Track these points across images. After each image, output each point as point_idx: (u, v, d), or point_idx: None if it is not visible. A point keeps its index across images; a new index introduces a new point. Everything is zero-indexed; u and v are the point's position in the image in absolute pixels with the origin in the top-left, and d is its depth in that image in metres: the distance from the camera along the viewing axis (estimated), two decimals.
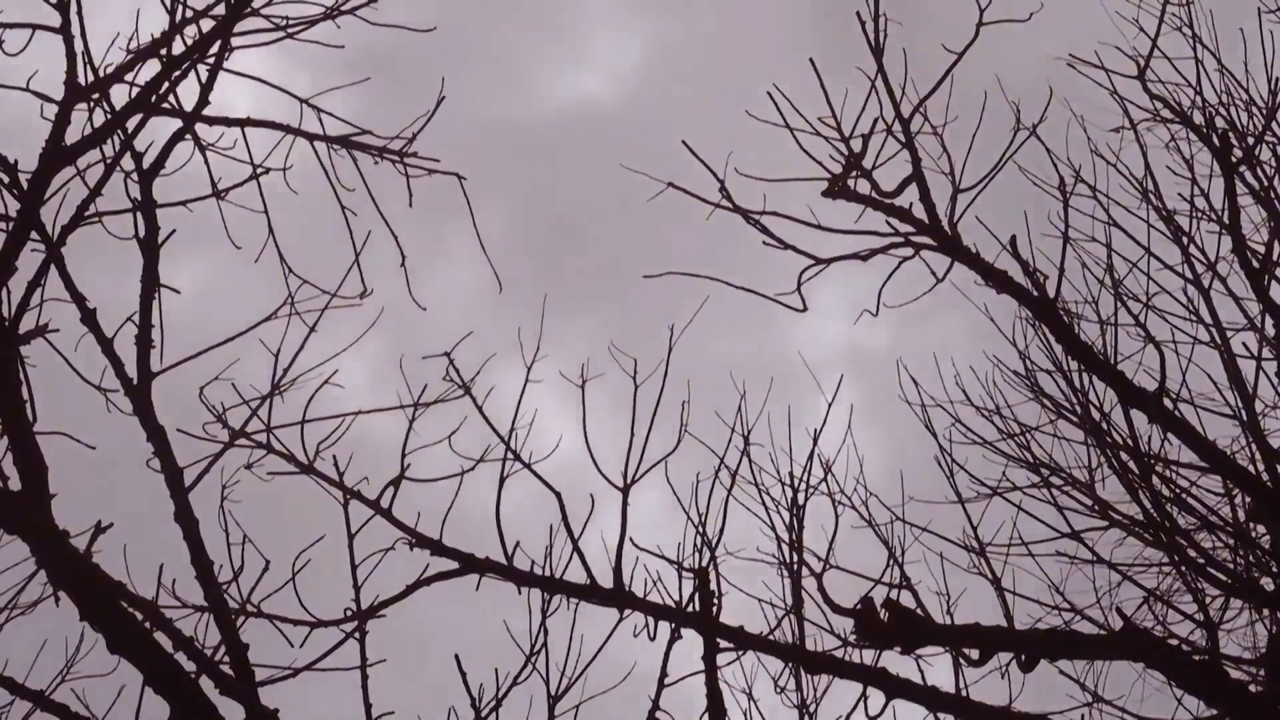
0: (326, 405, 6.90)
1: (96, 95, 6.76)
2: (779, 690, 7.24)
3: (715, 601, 7.14)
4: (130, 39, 6.95)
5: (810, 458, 7.62)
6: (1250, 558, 7.92)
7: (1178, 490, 7.89)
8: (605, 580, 6.88)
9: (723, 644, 7.06)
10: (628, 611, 6.91)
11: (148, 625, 6.20)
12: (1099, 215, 8.57)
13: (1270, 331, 7.96)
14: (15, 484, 6.19)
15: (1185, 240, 8.48)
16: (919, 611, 7.17)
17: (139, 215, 6.50)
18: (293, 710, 6.25)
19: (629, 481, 6.96)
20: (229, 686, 6.16)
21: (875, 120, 6.74)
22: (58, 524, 6.17)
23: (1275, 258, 7.85)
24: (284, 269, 7.27)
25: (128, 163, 6.56)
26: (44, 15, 6.88)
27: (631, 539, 6.93)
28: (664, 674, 6.90)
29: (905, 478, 8.00)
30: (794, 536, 7.51)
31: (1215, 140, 7.84)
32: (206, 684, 6.16)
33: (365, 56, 7.66)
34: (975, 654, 7.06)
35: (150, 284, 6.41)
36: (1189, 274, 8.47)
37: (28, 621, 6.91)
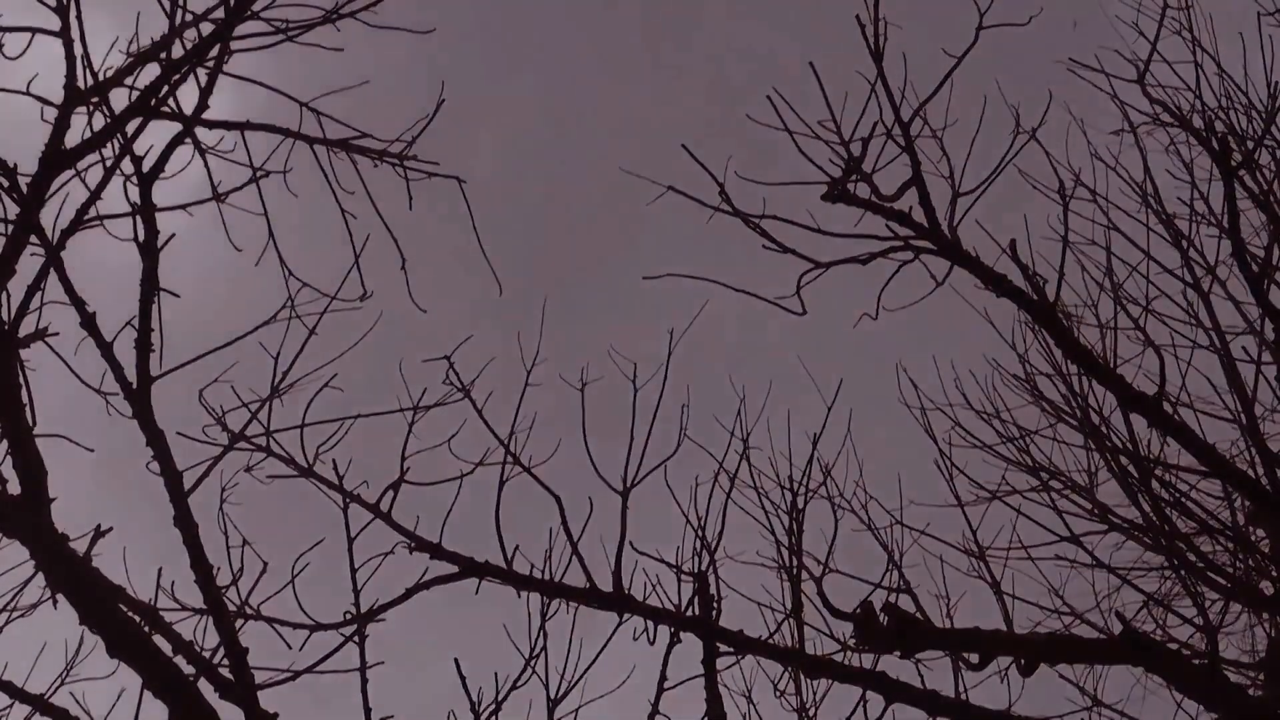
0: (326, 408, 6.91)
1: (96, 99, 6.76)
2: (778, 694, 7.24)
3: (714, 605, 7.14)
4: (130, 42, 6.97)
5: (809, 461, 7.63)
6: (1250, 562, 7.93)
7: (1177, 494, 7.89)
8: (604, 584, 6.88)
9: (722, 648, 7.06)
10: (627, 615, 6.91)
11: (147, 628, 6.20)
12: (1099, 219, 8.61)
13: (1270, 335, 7.96)
14: (15, 487, 6.19)
15: (1185, 244, 8.49)
16: (918, 615, 7.17)
17: (139, 219, 6.49)
18: (292, 713, 6.25)
19: (628, 485, 6.96)
20: (228, 689, 6.15)
21: (875, 124, 6.74)
22: (57, 527, 6.17)
23: (1275, 262, 7.85)
24: (284, 272, 7.28)
25: (127, 166, 6.56)
26: (43, 19, 6.89)
27: (631, 542, 6.93)
28: (663, 678, 6.91)
29: (904, 481, 8.01)
30: (793, 540, 7.52)
31: (1214, 144, 7.83)
32: (206, 687, 6.16)
33: (365, 59, 7.66)
34: (975, 658, 7.05)
35: (150, 287, 6.41)
36: (1188, 278, 8.48)
37: (27, 624, 6.92)
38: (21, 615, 6.92)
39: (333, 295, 7.08)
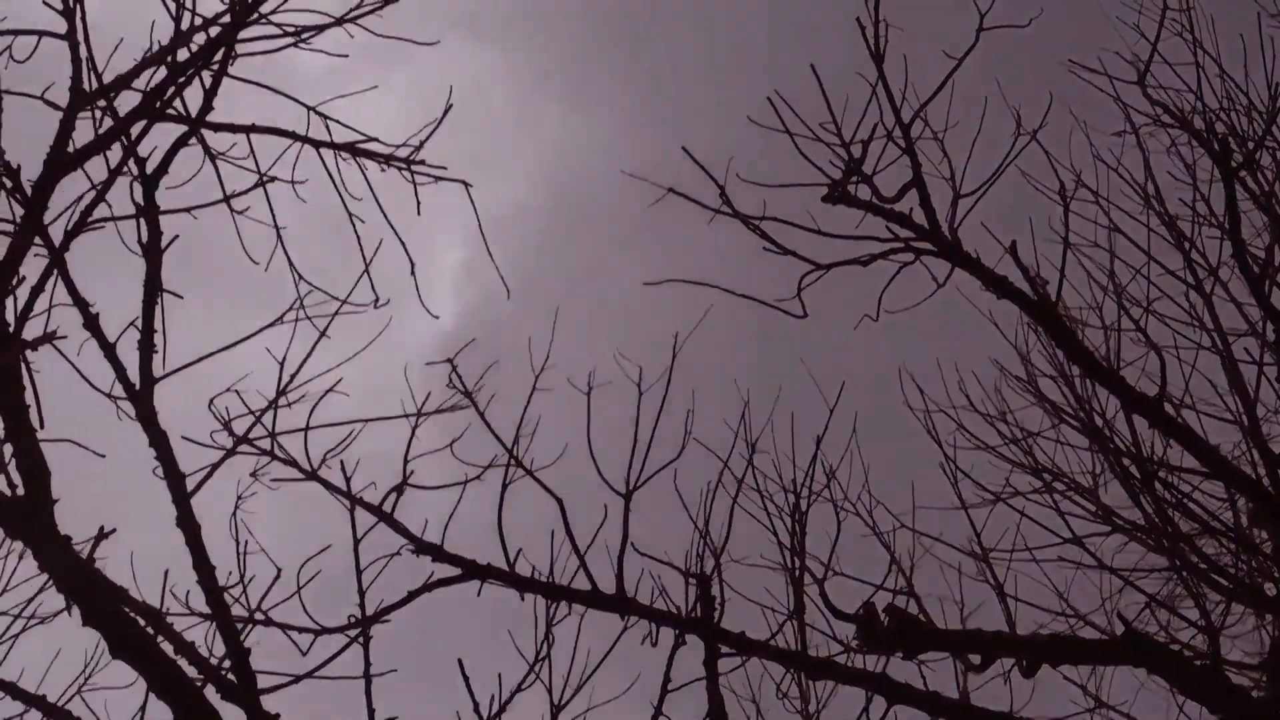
0: (331, 412, 6.92)
1: (101, 101, 6.79)
2: (782, 696, 7.24)
3: (718, 607, 7.14)
4: (144, 49, 7.00)
5: (813, 463, 7.62)
6: (1252, 563, 7.93)
7: (1179, 495, 7.88)
8: (608, 587, 6.88)
9: (725, 650, 7.06)
10: (631, 618, 6.91)
11: (151, 631, 6.22)
12: (1100, 220, 8.61)
13: (1271, 337, 7.94)
14: (19, 489, 6.21)
15: (1186, 245, 8.49)
16: (921, 617, 7.18)
17: (142, 221, 6.52)
18: (296, 716, 6.27)
19: (632, 488, 6.97)
20: (232, 693, 6.17)
21: (875, 126, 6.75)
22: (60, 530, 6.19)
23: (1276, 263, 7.85)
24: (294, 275, 7.30)
25: (132, 169, 6.59)
26: (50, 22, 6.93)
27: (634, 545, 6.93)
28: (667, 680, 6.91)
29: (908, 484, 8.01)
30: (796, 542, 7.51)
31: (1215, 145, 7.84)
32: (209, 690, 6.18)
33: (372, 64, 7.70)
34: (977, 659, 7.06)
35: (153, 289, 6.43)
36: (1190, 279, 8.47)
37: (44, 631, 6.96)
38: (41, 622, 6.96)
39: (342, 299, 7.10)
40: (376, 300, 7.20)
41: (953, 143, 6.85)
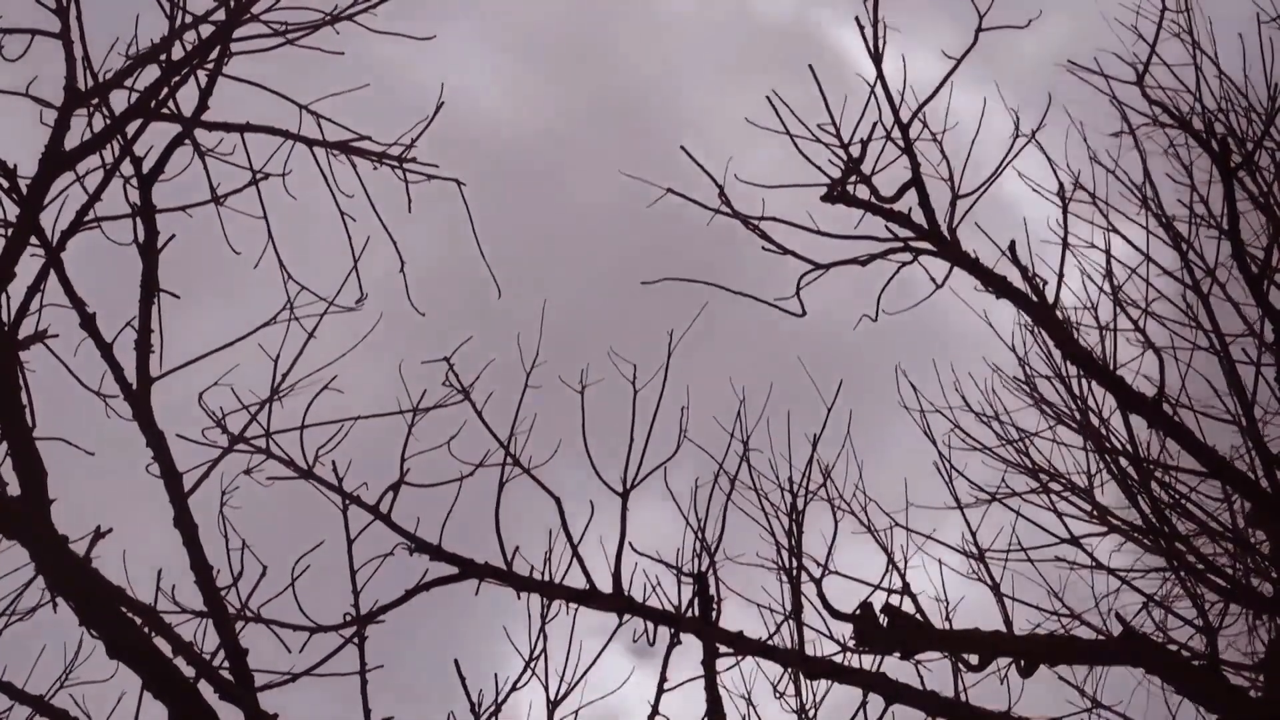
0: (325, 410, 6.90)
1: (96, 100, 6.78)
2: (778, 695, 7.24)
3: (714, 607, 7.14)
4: (130, 44, 6.97)
5: (809, 463, 7.61)
6: (1249, 563, 7.92)
7: (1177, 496, 7.89)
8: (604, 585, 6.88)
9: (722, 649, 7.06)
10: (627, 616, 6.91)
11: (147, 630, 6.20)
12: (1098, 221, 8.59)
13: (1269, 337, 7.95)
14: (14, 489, 6.19)
15: (1184, 246, 8.47)
16: (918, 617, 7.17)
17: (138, 220, 6.50)
18: (292, 715, 6.26)
19: (628, 486, 6.97)
20: (228, 691, 6.16)
21: (874, 126, 6.75)
22: (57, 529, 6.17)
23: (1274, 263, 7.84)
24: (283, 275, 7.27)
25: (127, 168, 6.57)
26: (44, 20, 6.91)
27: (631, 544, 6.93)
28: (663, 679, 6.91)
29: (905, 483, 8.01)
30: (793, 542, 7.51)
31: (1214, 146, 7.83)
32: (206, 689, 6.16)
33: (365, 62, 7.67)
34: (974, 659, 7.06)
35: (149, 289, 6.42)
36: (1188, 279, 8.46)
37: (27, 627, 6.91)
38: (21, 619, 6.92)
39: (331, 299, 7.08)
40: (361, 297, 7.18)
41: (952, 143, 6.87)
